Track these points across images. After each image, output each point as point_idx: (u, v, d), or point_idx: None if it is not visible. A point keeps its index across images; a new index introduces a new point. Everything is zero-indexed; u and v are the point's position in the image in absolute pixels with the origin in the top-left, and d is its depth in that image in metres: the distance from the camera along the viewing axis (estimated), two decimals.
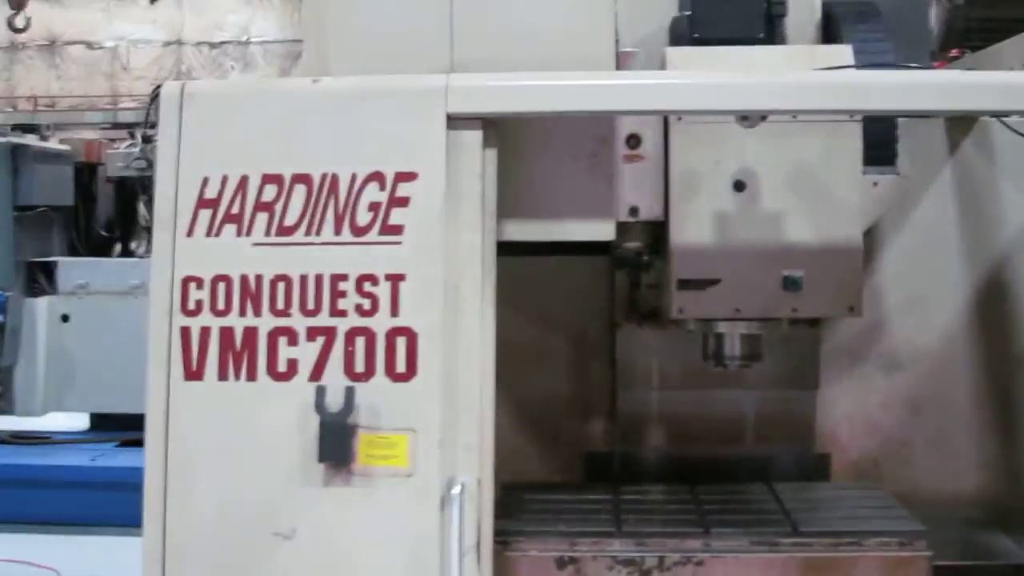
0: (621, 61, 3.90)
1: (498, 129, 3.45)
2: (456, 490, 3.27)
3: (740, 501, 4.24)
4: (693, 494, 4.34)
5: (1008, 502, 4.50)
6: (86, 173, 11.27)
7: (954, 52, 4.73)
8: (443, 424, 3.31)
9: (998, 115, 4.23)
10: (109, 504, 7.96)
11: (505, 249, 3.71)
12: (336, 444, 3.28)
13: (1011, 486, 4.54)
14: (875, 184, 4.13)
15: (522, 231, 3.69)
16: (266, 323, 3.38)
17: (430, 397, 3.31)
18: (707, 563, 3.68)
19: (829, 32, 4.30)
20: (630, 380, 4.63)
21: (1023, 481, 4.49)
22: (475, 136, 3.40)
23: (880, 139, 4.07)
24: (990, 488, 4.57)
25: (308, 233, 3.37)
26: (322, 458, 3.29)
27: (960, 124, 4.70)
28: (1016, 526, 4.28)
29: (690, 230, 3.89)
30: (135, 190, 11.42)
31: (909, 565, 3.73)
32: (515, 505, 4.04)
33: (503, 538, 3.67)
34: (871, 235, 4.45)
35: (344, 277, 3.35)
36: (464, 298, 3.34)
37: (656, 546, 3.71)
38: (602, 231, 3.80)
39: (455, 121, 3.37)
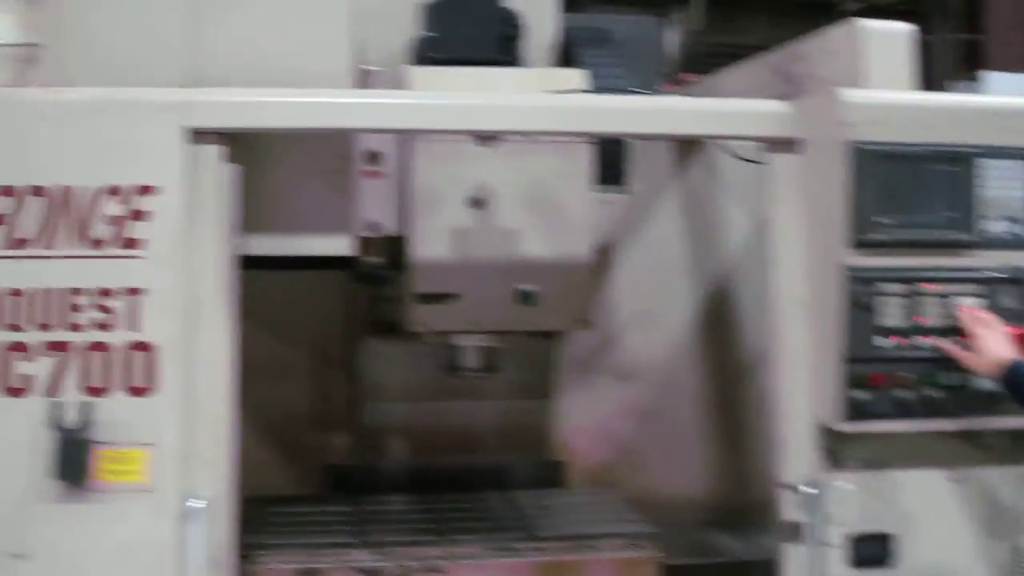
0: (365, 79, 3.96)
1: (239, 144, 3.44)
2: (196, 504, 3.26)
3: (479, 509, 4.35)
4: (433, 504, 4.42)
5: (732, 504, 4.72)
6: None
7: (691, 77, 4.95)
8: (183, 438, 3.30)
9: (715, 139, 4.48)
10: None
11: (248, 263, 3.70)
12: (72, 460, 3.23)
13: (735, 489, 4.77)
14: (606, 202, 4.27)
15: (264, 246, 3.70)
16: None
17: (169, 411, 3.29)
18: (447, 570, 3.79)
19: (566, 55, 4.43)
20: (372, 393, 4.70)
21: (746, 484, 4.70)
22: (215, 151, 3.39)
23: (611, 159, 4.22)
24: (716, 491, 4.81)
25: (44, 247, 3.30)
26: (58, 475, 3.22)
27: (687, 146, 4.94)
28: (740, 525, 4.49)
29: (429, 245, 3.96)
30: None
31: (639, 565, 3.94)
32: (258, 519, 4.03)
33: (245, 552, 3.67)
34: (603, 251, 4.64)
35: (81, 291, 3.29)
36: (205, 312, 3.33)
37: (397, 555, 3.78)
38: (342, 246, 3.85)
39: (195, 135, 3.36)
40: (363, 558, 3.78)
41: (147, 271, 3.31)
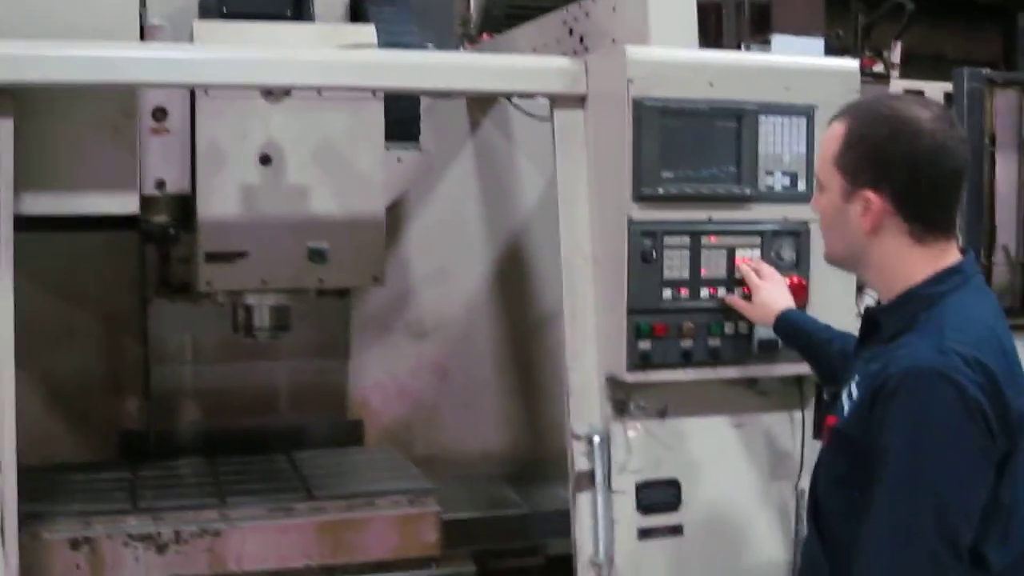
0: (147, 33, 3.85)
1: (16, 98, 3.30)
2: None
3: (260, 471, 4.31)
4: (213, 467, 4.38)
5: (529, 457, 4.85)
6: None
7: (485, 37, 4.95)
8: None
9: (504, 95, 4.51)
10: None
11: (32, 224, 3.59)
12: None
13: (531, 442, 4.88)
14: (399, 159, 4.28)
15: (41, 204, 3.58)
16: None
17: None
18: (224, 533, 3.73)
19: (356, 13, 4.40)
20: (163, 355, 4.59)
21: (541, 437, 4.82)
22: None
23: (403, 116, 4.23)
24: (513, 445, 4.91)
25: None
26: None
27: (480, 103, 4.96)
28: (537, 478, 4.58)
29: (217, 203, 3.90)
30: None
31: (419, 521, 3.96)
32: (37, 488, 3.91)
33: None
34: (397, 209, 4.64)
35: None
36: None
37: (172, 520, 3.71)
38: (125, 204, 3.75)
39: None
40: (137, 524, 3.70)
41: None
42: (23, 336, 4.28)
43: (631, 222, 3.47)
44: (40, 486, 3.91)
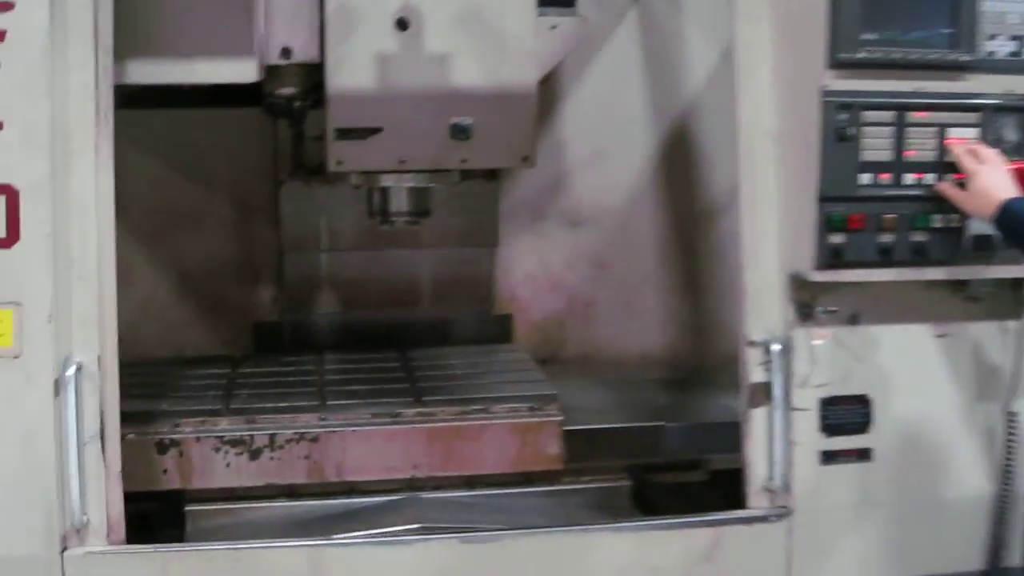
0: None
1: None
2: (71, 371, 2.82)
3: (369, 370, 3.94)
4: (318, 365, 4.03)
5: (693, 361, 4.41)
6: None
7: None
8: (54, 296, 2.85)
9: None
10: None
11: (151, 99, 3.39)
12: None
13: (696, 345, 4.46)
14: (553, 27, 3.81)
15: (147, 73, 3.22)
16: None
17: (37, 265, 2.83)
18: (323, 439, 3.43)
19: None
20: (297, 242, 4.22)
21: (707, 339, 4.42)
22: None
23: None
24: (674, 347, 4.48)
25: None
26: None
27: None
28: (694, 384, 4.13)
29: (349, 73, 3.50)
30: None
31: (538, 431, 3.54)
32: (147, 384, 3.67)
33: None
34: (550, 83, 4.17)
35: None
36: (76, 149, 2.85)
37: (266, 423, 3.43)
38: (242, 72, 3.36)
39: None
40: (229, 427, 3.43)
41: (4, 101, 2.80)
42: (151, 221, 4.09)
43: (825, 93, 3.00)
44: (148, 380, 3.67)
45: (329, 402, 3.55)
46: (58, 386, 2.87)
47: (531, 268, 4.43)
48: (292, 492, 3.50)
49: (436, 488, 3.55)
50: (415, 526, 3.34)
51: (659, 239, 4.45)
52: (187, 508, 3.42)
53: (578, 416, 3.63)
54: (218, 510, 3.46)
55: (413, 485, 3.51)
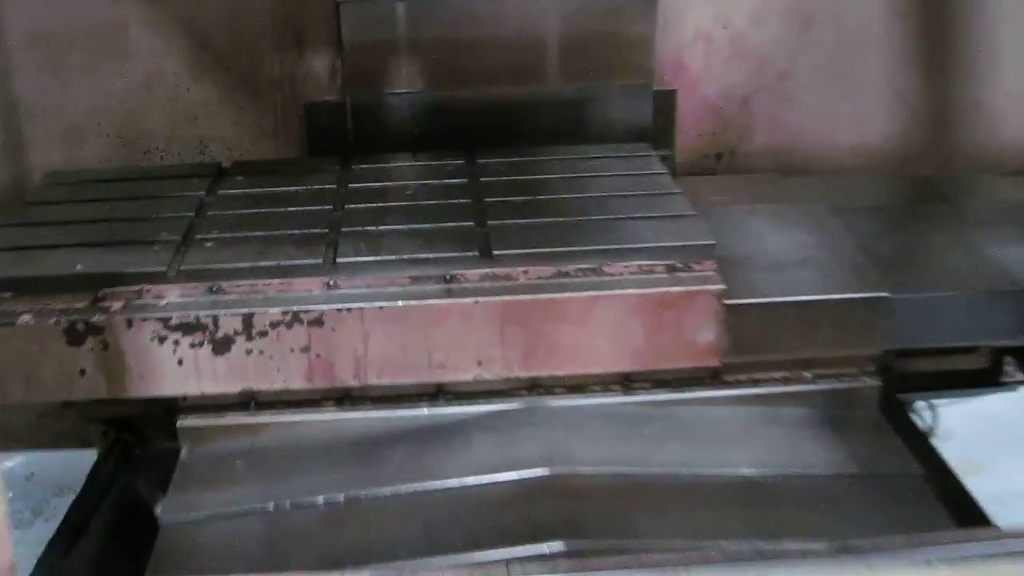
0: None
1: None
2: None
3: (429, 192, 2.74)
4: (342, 183, 2.85)
5: (925, 159, 3.36)
6: None
7: None
8: None
9: None
10: None
11: None
12: None
13: (931, 135, 3.37)
14: None
15: None
16: None
17: None
18: (328, 320, 2.31)
19: None
20: None
21: (949, 129, 3.35)
22: None
23: None
24: (903, 138, 3.37)
25: None
26: None
27: None
28: (930, 192, 3.12)
29: None
30: None
31: (686, 305, 2.30)
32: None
33: None
34: None
35: None
36: None
37: (239, 294, 2.36)
38: None
39: None
40: (177, 301, 2.34)
41: None
42: None
43: None
44: (77, 216, 2.66)
45: (341, 258, 2.41)
46: None
47: (705, 24, 3.25)
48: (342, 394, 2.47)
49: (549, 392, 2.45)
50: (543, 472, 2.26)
51: None
52: (179, 423, 2.44)
53: (757, 277, 2.44)
54: (225, 427, 2.42)
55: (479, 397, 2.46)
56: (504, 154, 2.93)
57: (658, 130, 3.21)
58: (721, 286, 2.30)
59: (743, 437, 2.37)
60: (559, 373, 2.36)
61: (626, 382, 2.44)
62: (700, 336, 2.29)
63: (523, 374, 2.33)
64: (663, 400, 2.43)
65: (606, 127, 3.16)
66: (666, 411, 2.42)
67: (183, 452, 2.40)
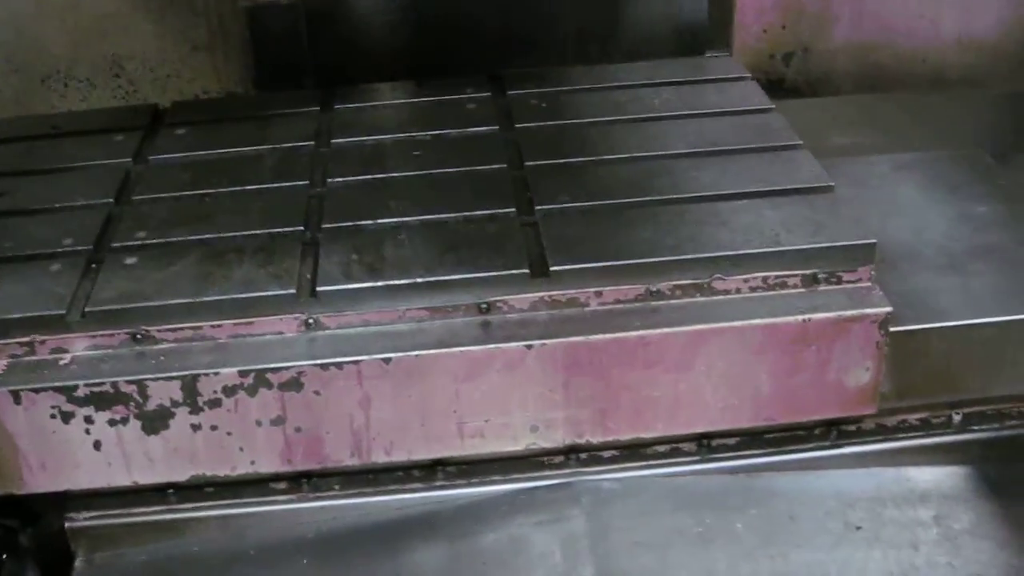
0: None
1: None
2: None
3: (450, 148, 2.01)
4: (325, 130, 2.11)
5: None
6: None
7: None
8: None
9: None
10: None
11: None
12: None
13: None
14: None
15: None
16: None
17: None
18: (310, 378, 1.59)
19: None
20: None
21: None
22: None
23: None
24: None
25: None
26: None
27: None
28: None
29: None
30: None
31: (835, 336, 1.60)
32: None
33: None
34: None
35: None
36: None
37: (180, 342, 1.63)
38: None
39: None
40: (88, 351, 1.62)
41: None
42: None
43: None
44: None
45: (323, 285, 1.65)
46: None
47: None
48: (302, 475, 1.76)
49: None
50: None
51: None
52: (69, 523, 1.74)
53: (927, 283, 1.75)
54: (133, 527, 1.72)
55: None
56: (538, 81, 2.16)
57: (712, 25, 2.46)
58: (886, 308, 1.58)
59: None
60: (647, 436, 1.65)
61: (703, 440, 1.73)
62: (851, 378, 1.59)
63: (598, 440, 1.62)
64: (755, 465, 1.73)
65: (646, 25, 2.40)
66: (762, 484, 1.74)
67: (77, 563, 1.69)
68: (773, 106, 2.04)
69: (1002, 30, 2.66)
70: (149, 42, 2.49)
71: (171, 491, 1.68)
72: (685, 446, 1.71)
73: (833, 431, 1.72)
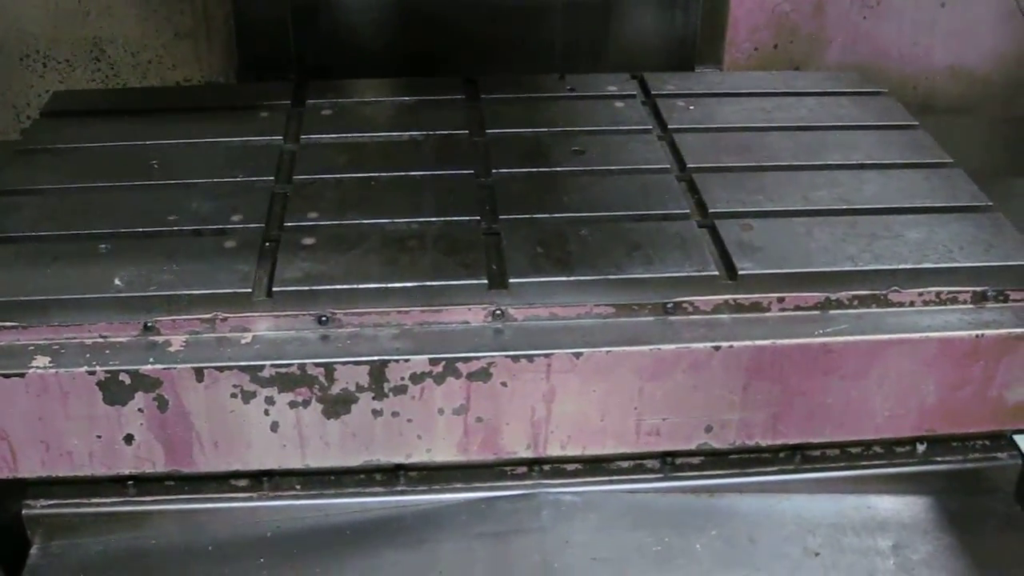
0: None
1: None
2: None
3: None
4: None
5: None
6: None
7: None
8: None
9: None
10: None
11: None
12: None
13: None
14: None
15: None
16: None
17: None
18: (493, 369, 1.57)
19: None
20: None
21: None
22: None
23: None
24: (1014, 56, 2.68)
25: None
26: None
27: None
28: None
29: None
30: None
31: (1002, 352, 1.63)
32: None
33: None
34: None
35: None
36: None
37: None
38: None
39: None
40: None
41: None
42: None
43: None
44: None
45: (513, 279, 1.63)
46: None
47: None
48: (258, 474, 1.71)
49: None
50: None
51: None
52: (26, 510, 1.68)
53: None
54: (91, 516, 1.67)
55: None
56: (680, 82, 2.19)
57: (703, 41, 2.49)
58: None
59: None
60: (815, 440, 1.66)
61: (666, 458, 1.71)
62: (1013, 394, 1.64)
63: (767, 443, 1.64)
64: (718, 486, 1.72)
65: (636, 37, 2.44)
66: (724, 504, 1.72)
67: (33, 551, 1.63)
68: (917, 122, 2.07)
69: (994, 61, 2.71)
70: (132, 26, 2.48)
71: (130, 483, 1.62)
72: (648, 463, 1.69)
73: (797, 455, 1.72)
